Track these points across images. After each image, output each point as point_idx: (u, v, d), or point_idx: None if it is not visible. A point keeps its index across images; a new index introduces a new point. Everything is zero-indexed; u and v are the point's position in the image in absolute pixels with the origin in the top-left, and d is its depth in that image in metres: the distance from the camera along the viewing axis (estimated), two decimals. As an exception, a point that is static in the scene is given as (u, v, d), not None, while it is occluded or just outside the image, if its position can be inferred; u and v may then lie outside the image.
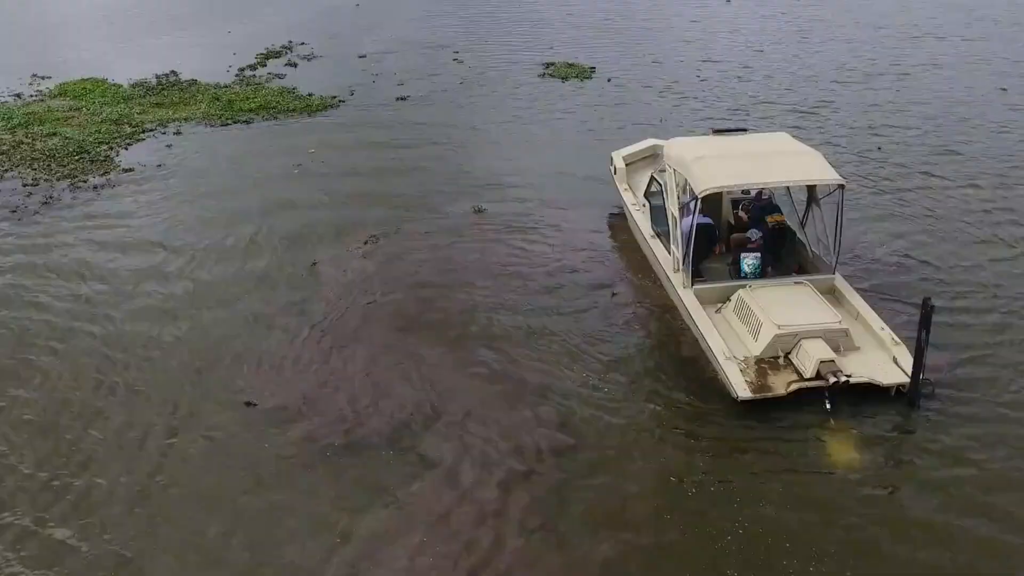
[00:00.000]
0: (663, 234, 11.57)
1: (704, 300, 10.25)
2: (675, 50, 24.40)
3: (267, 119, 18.93)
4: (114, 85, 21.24)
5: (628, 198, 12.94)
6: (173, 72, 22.39)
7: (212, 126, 18.47)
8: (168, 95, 20.50)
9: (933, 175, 15.20)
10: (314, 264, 12.48)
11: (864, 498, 7.95)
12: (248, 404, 9.44)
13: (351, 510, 7.98)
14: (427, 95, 20.61)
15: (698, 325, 9.95)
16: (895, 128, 17.58)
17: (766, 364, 9.31)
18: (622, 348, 10.46)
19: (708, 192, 10.15)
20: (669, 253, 11.17)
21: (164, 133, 18.06)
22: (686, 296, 10.37)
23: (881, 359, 9.30)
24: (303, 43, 25.52)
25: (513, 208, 14.41)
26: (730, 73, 21.88)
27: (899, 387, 8.98)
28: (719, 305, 10.27)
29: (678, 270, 10.75)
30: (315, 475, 8.48)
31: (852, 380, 8.89)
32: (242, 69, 22.76)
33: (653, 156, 13.53)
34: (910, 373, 8.85)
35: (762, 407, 9.02)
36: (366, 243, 13.13)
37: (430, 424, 9.15)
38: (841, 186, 10.31)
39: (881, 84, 20.61)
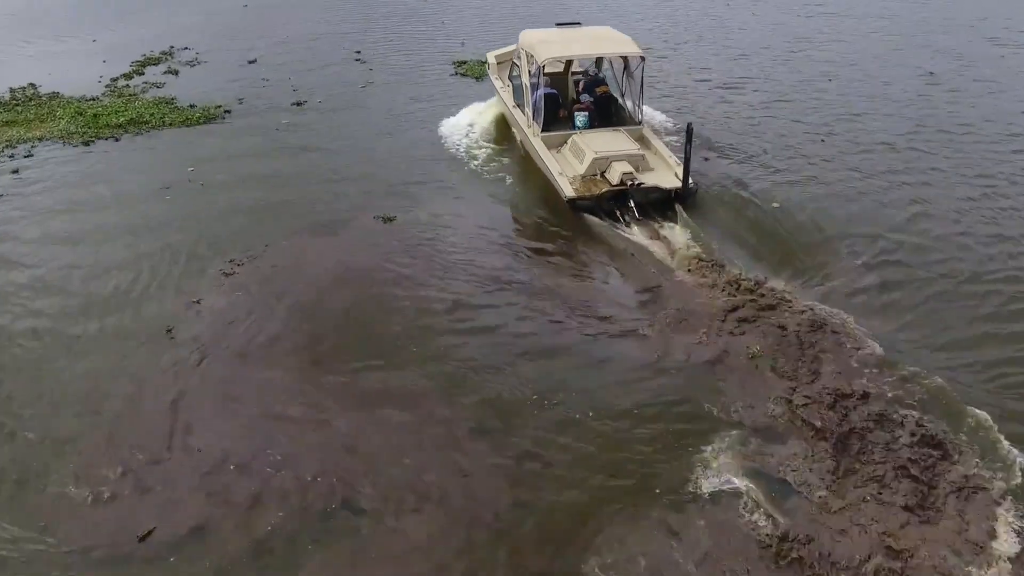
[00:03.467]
0: (521, 104, 14.35)
1: (549, 144, 13.13)
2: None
3: (138, 135, 15.81)
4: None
5: (498, 84, 15.93)
6: (32, 85, 18.93)
7: (71, 145, 15.24)
8: (22, 111, 17.09)
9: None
10: (170, 327, 9.58)
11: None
12: (142, 538, 6.68)
13: None
14: (326, 100, 17.82)
15: (543, 159, 12.88)
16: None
17: (588, 180, 12.16)
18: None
19: (547, 60, 13.22)
20: (525, 115, 13.90)
21: (12, 157, 14.73)
22: (536, 142, 13.30)
23: (667, 175, 12.28)
24: (186, 48, 22.27)
25: (427, 217, 12.02)
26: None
27: (676, 191, 11.91)
28: (560, 148, 13.11)
29: (530, 125, 13.63)
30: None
31: (644, 185, 11.86)
32: (115, 79, 19.43)
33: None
34: (685, 181, 11.87)
35: (591, 213, 11.83)
36: (238, 267, 10.54)
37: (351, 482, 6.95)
38: (642, 58, 13.45)
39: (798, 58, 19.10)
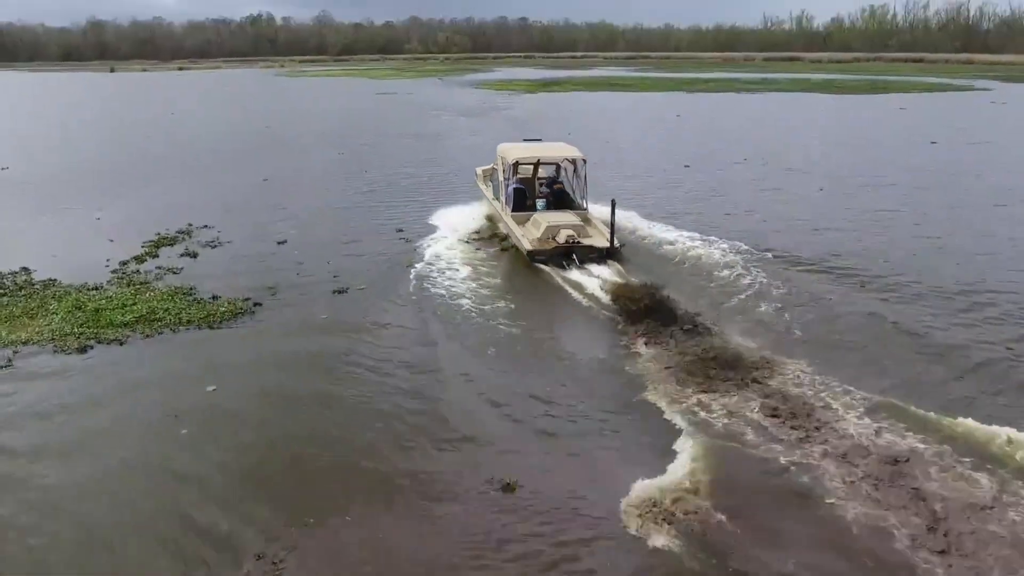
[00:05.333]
0: (499, 196, 18.63)
1: (517, 221, 17.19)
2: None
3: (149, 336, 12.61)
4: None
5: (483, 187, 20.75)
6: (25, 269, 15.93)
7: (64, 351, 11.95)
8: (9, 304, 13.94)
9: None
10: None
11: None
12: None
13: None
14: (371, 286, 14.86)
15: (512, 229, 17.09)
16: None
17: (543, 241, 16.08)
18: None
19: (516, 160, 17.98)
20: (499, 201, 18.52)
21: (-14, 368, 11.49)
22: (507, 219, 17.54)
23: (600, 238, 16.23)
24: (206, 226, 19.62)
25: (564, 485, 8.26)
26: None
27: (606, 249, 15.88)
28: (525, 223, 17.02)
29: (504, 208, 17.99)
30: None
31: (582, 244, 15.87)
32: (124, 263, 16.46)
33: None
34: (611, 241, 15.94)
35: (544, 264, 15.77)
36: (277, 567, 6.89)
37: None
38: (584, 160, 18.06)
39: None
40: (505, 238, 17.70)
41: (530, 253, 15.87)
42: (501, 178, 18.52)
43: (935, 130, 38.46)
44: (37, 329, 12.78)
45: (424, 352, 11.93)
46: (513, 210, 17.52)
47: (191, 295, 14.41)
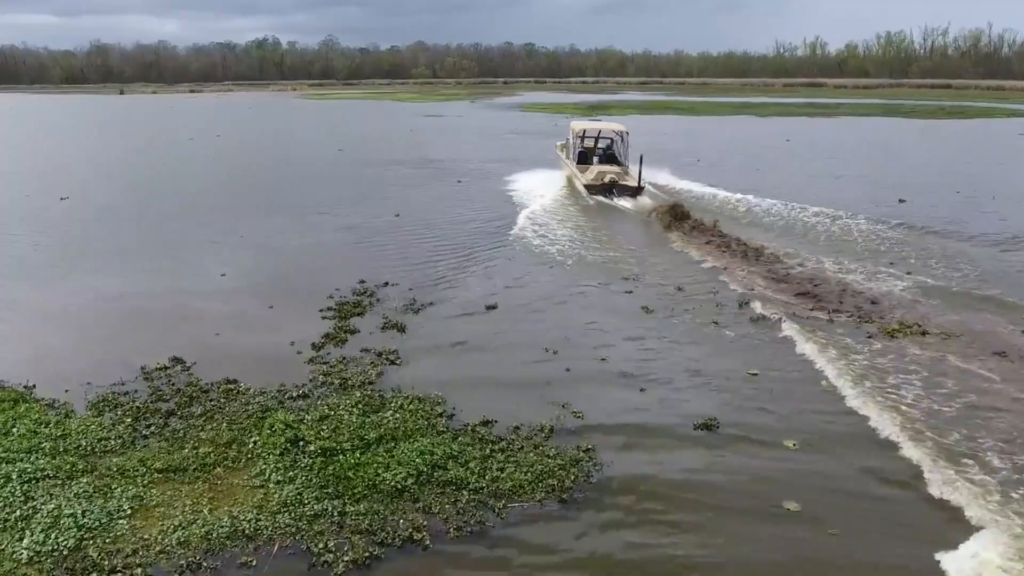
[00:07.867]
0: (570, 156, 27.57)
1: (580, 170, 25.52)
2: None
3: (460, 532, 6.79)
4: (45, 408, 8.70)
5: (560, 154, 29.68)
6: (178, 362, 10.22)
7: (326, 566, 6.36)
8: (188, 438, 8.13)
9: None
10: None
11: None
12: None
13: None
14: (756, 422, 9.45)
15: (576, 174, 25.55)
16: None
17: (595, 180, 24.04)
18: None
19: (580, 128, 28.49)
20: (570, 159, 27.30)
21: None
22: (573, 168, 26.36)
23: (633, 181, 23.85)
24: (387, 283, 13.98)
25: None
26: None
27: (637, 188, 23.53)
28: (584, 171, 25.21)
29: (572, 161, 26.99)
30: None
31: (620, 183, 23.70)
32: (318, 346, 10.77)
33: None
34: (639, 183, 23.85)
35: (595, 195, 23.06)
36: None
37: None
38: (627, 132, 27.34)
39: None
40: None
41: (586, 186, 23.86)
42: (571, 143, 27.88)
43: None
44: (253, 497, 7.10)
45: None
46: (578, 163, 26.27)
47: (439, 408, 8.83)
